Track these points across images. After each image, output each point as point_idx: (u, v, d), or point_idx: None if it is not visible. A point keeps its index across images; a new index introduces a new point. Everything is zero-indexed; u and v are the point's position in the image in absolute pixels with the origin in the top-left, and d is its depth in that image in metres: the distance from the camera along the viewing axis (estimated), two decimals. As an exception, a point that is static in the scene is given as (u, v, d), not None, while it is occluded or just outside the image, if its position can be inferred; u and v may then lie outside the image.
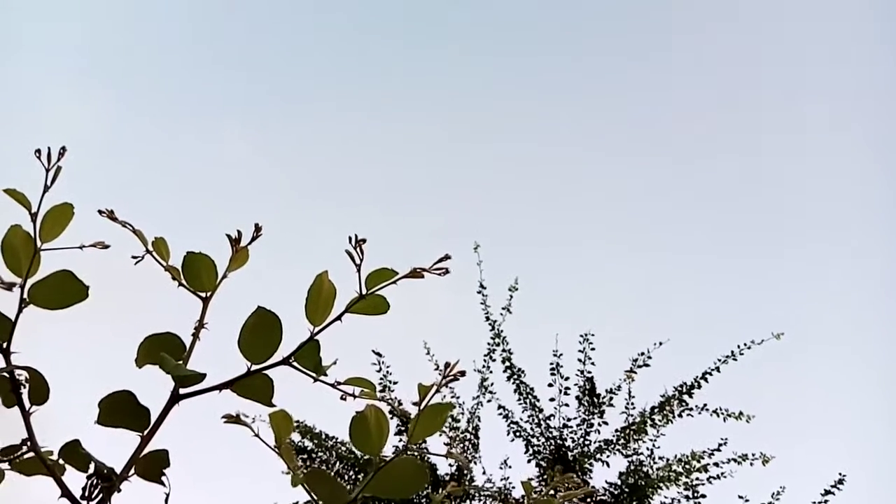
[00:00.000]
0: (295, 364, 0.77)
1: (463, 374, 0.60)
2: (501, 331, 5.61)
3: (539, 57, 7.82)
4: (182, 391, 0.76)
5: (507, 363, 5.52)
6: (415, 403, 0.61)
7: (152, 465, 0.75)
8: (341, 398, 0.81)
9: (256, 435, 0.71)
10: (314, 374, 0.78)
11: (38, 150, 0.65)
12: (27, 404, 0.72)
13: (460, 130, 7.56)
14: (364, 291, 0.77)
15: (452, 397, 5.47)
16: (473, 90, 7.57)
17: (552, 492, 0.67)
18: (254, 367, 0.76)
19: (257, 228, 0.87)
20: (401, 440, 0.85)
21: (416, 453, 0.67)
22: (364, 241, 0.73)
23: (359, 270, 0.76)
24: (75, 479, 0.73)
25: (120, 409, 0.74)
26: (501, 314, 5.65)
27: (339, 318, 0.78)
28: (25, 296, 0.71)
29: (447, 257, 0.80)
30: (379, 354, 5.39)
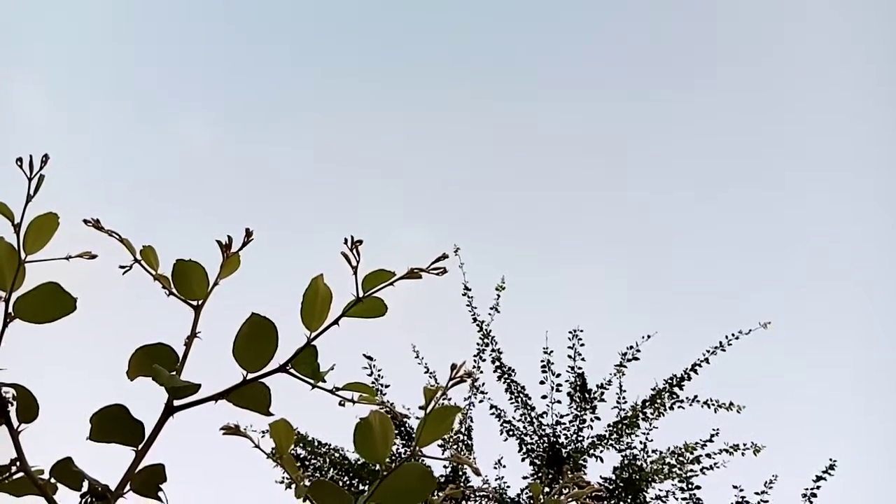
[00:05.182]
0: (292, 371, 0.75)
1: (470, 374, 0.58)
2: (490, 331, 5.60)
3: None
4: (176, 403, 0.74)
5: (497, 363, 5.50)
6: (421, 407, 0.59)
7: (148, 481, 0.73)
8: (340, 404, 0.79)
9: (257, 446, 0.69)
10: (312, 381, 0.76)
11: (20, 159, 0.62)
12: (15, 423, 0.70)
13: (440, 129, 7.55)
14: (361, 294, 0.75)
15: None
16: (455, 94, 7.57)
17: (564, 490, 0.65)
18: (250, 376, 0.74)
19: (248, 233, 0.85)
20: (396, 446, 0.83)
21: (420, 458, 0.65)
22: (360, 242, 0.71)
23: (355, 273, 0.74)
24: (68, 499, 0.70)
25: (113, 424, 0.72)
26: (490, 314, 5.64)
27: (336, 322, 0.76)
28: (10, 310, 0.68)
29: (444, 257, 0.79)
30: (370, 358, 5.36)
